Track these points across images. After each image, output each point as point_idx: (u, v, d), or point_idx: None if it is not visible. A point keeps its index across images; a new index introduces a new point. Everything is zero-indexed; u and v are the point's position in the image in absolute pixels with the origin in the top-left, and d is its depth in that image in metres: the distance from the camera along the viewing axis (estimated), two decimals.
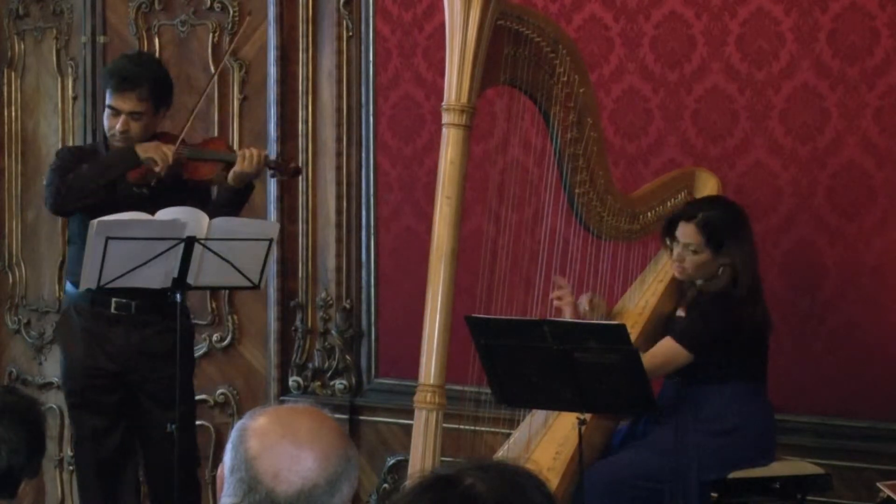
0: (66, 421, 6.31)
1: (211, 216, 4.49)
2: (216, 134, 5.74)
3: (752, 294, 4.30)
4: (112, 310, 4.67)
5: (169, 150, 4.62)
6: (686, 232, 4.33)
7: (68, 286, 4.84)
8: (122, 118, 4.68)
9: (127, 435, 4.76)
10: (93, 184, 4.61)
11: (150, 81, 4.69)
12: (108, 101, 4.71)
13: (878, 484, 4.11)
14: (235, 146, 5.37)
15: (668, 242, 4.42)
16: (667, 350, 4.28)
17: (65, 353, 4.83)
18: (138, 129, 4.69)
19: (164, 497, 4.75)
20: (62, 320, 4.89)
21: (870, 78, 4.65)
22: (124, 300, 4.66)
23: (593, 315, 4.50)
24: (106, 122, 4.74)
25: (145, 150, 4.63)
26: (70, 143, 6.27)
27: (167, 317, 4.64)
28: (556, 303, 4.49)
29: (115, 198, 4.61)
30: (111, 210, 4.44)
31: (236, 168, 4.66)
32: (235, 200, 4.74)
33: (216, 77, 5.41)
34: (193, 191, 4.72)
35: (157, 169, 4.60)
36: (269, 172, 4.97)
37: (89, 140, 6.18)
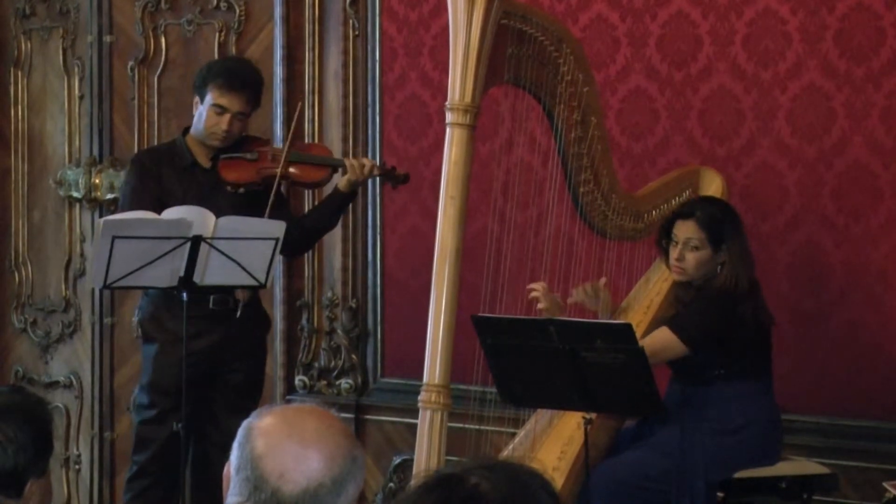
0: (73, 420, 6.32)
1: (313, 219, 4.91)
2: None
3: (752, 288, 4.31)
4: (210, 305, 4.71)
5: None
6: (686, 228, 4.33)
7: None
8: (227, 117, 4.76)
9: (193, 436, 4.78)
10: None
11: (258, 84, 4.87)
12: (213, 100, 4.76)
13: (885, 484, 4.11)
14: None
15: (663, 245, 4.42)
16: (661, 339, 4.26)
17: (160, 351, 4.82)
18: (239, 130, 4.82)
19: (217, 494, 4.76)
20: (157, 318, 4.85)
21: (876, 78, 4.64)
22: (221, 295, 4.71)
23: (597, 304, 4.49)
24: (207, 121, 4.78)
25: None
26: (77, 143, 6.28)
27: (258, 309, 4.90)
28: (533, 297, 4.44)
29: (215, 197, 4.74)
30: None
31: (350, 177, 4.81)
32: (342, 205, 4.95)
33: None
34: (277, 193, 4.79)
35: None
36: (378, 179, 5.21)
37: (95, 140, 6.19)
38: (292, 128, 4.87)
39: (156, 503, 4.89)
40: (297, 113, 5.00)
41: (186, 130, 4.91)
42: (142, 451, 4.86)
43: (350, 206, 5.12)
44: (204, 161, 4.85)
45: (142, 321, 4.96)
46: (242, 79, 4.80)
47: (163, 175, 4.82)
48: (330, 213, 4.96)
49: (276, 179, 4.72)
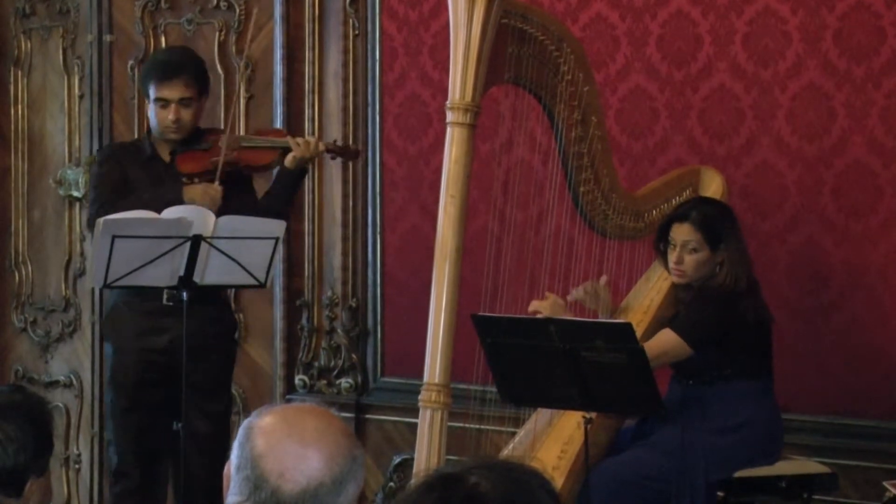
0: (73, 419, 6.32)
1: (266, 201, 4.80)
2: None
3: (751, 287, 4.31)
4: (164, 301, 4.68)
5: (217, 193, 4.67)
6: (683, 231, 4.33)
7: None
8: (172, 107, 4.75)
9: (166, 433, 4.76)
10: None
11: (192, 66, 4.83)
12: (154, 95, 4.76)
13: (885, 483, 4.11)
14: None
15: (661, 248, 4.41)
16: (665, 341, 4.26)
17: (116, 349, 4.83)
18: (189, 117, 4.78)
19: (191, 496, 4.75)
20: (112, 316, 4.87)
21: (876, 77, 4.64)
22: (176, 291, 4.66)
23: (597, 303, 4.49)
24: (155, 118, 4.78)
25: (192, 198, 4.66)
26: (77, 142, 6.28)
27: (218, 308, 4.83)
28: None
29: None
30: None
31: (294, 154, 4.79)
32: (291, 184, 4.88)
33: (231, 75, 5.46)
34: (238, 182, 4.79)
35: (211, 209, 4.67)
36: (329, 156, 5.14)
37: (95, 139, 6.20)
38: (231, 114, 4.88)
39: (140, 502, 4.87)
40: (234, 98, 5.00)
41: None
42: (114, 451, 4.88)
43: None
44: (165, 155, 4.86)
45: (103, 320, 4.98)
46: (174, 66, 4.78)
47: (125, 165, 4.82)
48: (281, 193, 4.89)
49: (219, 167, 4.71)
